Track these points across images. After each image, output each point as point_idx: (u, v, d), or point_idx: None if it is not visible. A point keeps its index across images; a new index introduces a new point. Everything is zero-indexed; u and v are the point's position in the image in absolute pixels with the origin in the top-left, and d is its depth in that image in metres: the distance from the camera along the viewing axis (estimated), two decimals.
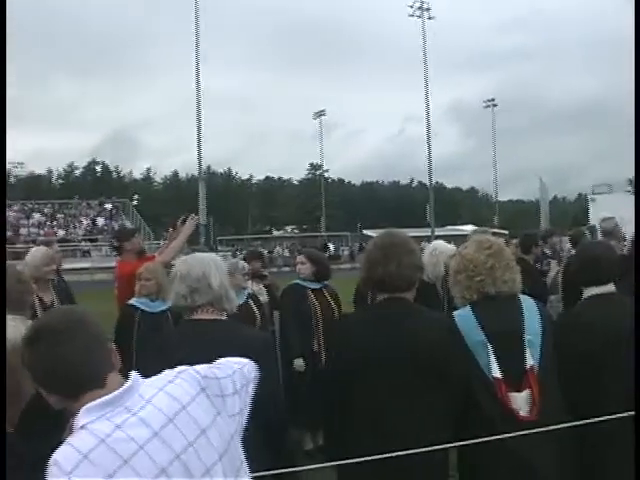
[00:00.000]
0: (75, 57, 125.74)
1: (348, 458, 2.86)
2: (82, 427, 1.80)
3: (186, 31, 50.80)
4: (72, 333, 1.91)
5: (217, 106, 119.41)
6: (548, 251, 9.00)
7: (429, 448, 2.88)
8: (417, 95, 70.11)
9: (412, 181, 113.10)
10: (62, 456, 1.73)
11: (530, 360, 3.14)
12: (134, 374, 1.94)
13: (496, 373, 3.09)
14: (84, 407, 1.82)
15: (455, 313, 3.32)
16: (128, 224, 47.88)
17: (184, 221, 6.11)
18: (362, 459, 2.79)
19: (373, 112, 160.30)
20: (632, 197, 44.53)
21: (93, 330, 1.95)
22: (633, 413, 3.01)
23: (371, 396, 3.06)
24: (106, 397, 1.84)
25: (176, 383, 1.94)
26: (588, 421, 3.08)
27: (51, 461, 1.73)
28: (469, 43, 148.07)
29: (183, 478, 1.80)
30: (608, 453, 3.32)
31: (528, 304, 3.34)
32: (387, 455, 2.78)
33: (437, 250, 6.40)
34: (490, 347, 3.12)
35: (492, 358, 3.11)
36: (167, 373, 2.00)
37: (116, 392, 1.85)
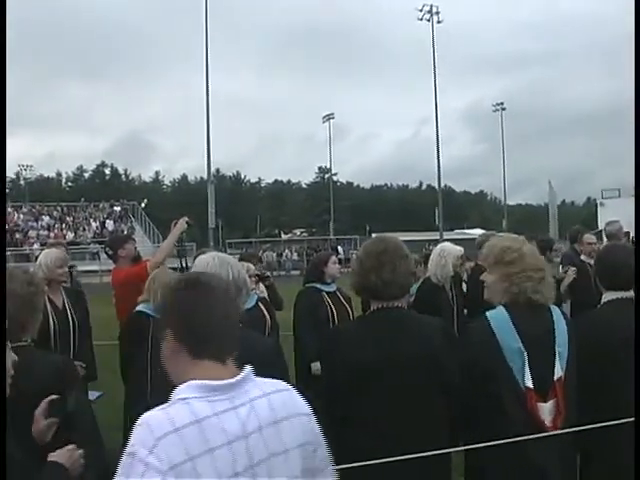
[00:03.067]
0: (86, 60, 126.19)
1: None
2: (183, 400, 1.77)
3: (197, 34, 50.84)
4: (229, 296, 1.98)
5: (227, 109, 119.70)
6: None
7: (446, 450, 2.86)
8: (428, 99, 69.79)
9: (421, 185, 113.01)
10: (155, 421, 1.72)
11: (559, 371, 3.10)
12: (249, 367, 1.91)
13: (529, 383, 3.04)
14: (195, 383, 1.80)
15: (489, 314, 3.22)
16: (137, 227, 47.97)
17: (176, 224, 6.01)
18: (370, 462, 2.75)
19: (383, 116, 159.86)
20: None
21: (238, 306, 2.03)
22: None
23: (376, 408, 3.01)
24: (220, 383, 1.82)
25: (281, 395, 1.93)
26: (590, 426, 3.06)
27: (141, 420, 1.73)
28: (480, 47, 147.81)
29: None
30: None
31: (557, 314, 3.28)
32: (396, 458, 2.75)
33: (445, 251, 6.37)
34: (526, 355, 3.06)
35: (527, 367, 3.05)
36: (279, 382, 1.99)
37: (232, 380, 1.84)
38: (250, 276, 6.10)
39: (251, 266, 6.01)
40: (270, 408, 1.87)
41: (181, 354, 1.88)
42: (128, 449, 1.70)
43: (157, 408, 1.75)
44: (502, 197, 74.54)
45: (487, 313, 3.22)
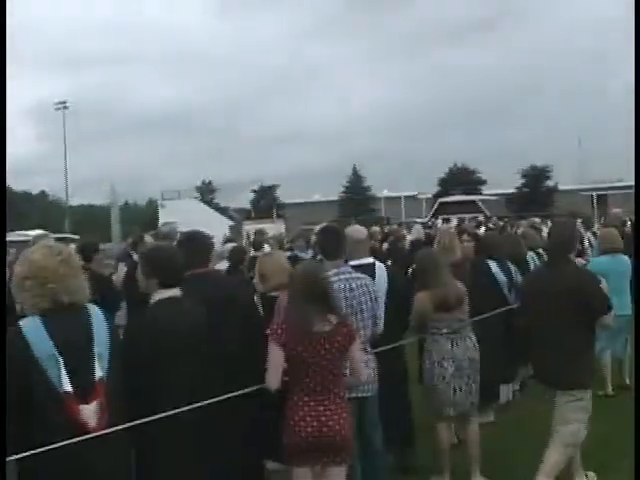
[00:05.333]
0: None
1: None
2: None
3: None
4: None
5: None
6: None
7: None
8: None
9: None
10: None
11: (100, 372, 3.16)
12: None
13: (67, 387, 3.04)
14: None
15: (21, 323, 3.14)
16: None
17: None
18: None
19: None
20: (199, 203, 47.76)
21: None
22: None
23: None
24: None
25: None
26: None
27: None
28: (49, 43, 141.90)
29: None
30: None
31: (96, 314, 3.33)
32: None
33: None
34: (61, 360, 3.04)
35: (63, 372, 3.04)
36: None
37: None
38: None
39: None
40: None
41: None
42: None
43: None
44: (64, 197, 72.92)
45: (20, 322, 3.16)
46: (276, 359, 3.91)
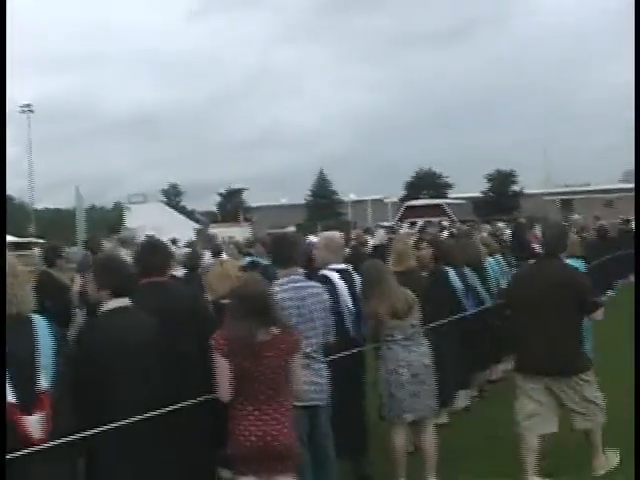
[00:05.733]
0: None
1: None
2: None
3: None
4: None
5: None
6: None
7: None
8: None
9: None
10: None
11: (44, 383, 3.14)
12: None
13: (11, 398, 3.03)
14: None
15: None
16: None
17: None
18: None
19: None
20: (165, 206, 47.53)
21: None
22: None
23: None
24: None
25: None
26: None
27: None
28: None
29: None
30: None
31: (41, 324, 3.31)
32: None
33: None
34: (8, 372, 3.04)
35: (9, 384, 3.03)
36: None
37: None
38: None
39: None
40: None
41: None
42: None
43: None
44: (30, 201, 72.05)
45: None
46: (222, 371, 3.93)
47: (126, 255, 6.63)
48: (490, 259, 8.53)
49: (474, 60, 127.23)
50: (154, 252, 4.55)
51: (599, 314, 5.54)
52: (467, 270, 7.49)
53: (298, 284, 4.79)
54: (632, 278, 17.68)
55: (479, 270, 7.80)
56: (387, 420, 5.59)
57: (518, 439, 5.46)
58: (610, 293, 14.32)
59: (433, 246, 7.39)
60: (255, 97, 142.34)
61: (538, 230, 11.69)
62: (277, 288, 4.67)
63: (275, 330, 4.03)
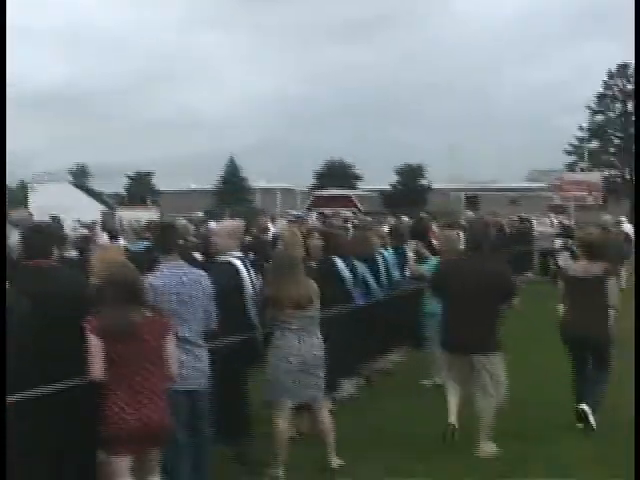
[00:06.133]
0: None
1: None
2: None
3: None
4: None
5: None
6: None
7: None
8: None
9: None
10: None
11: None
12: None
13: None
14: None
15: None
16: None
17: None
18: None
19: None
20: (72, 187, 46.35)
21: None
22: None
23: None
24: None
25: None
26: None
27: None
28: None
29: None
30: None
31: None
32: None
33: None
34: None
35: None
36: None
37: None
38: None
39: None
40: None
41: None
42: None
43: None
44: None
45: None
46: (94, 349, 4.00)
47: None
48: (384, 251, 8.76)
49: (386, 56, 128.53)
50: (38, 235, 4.52)
51: (516, 300, 6.70)
52: (357, 261, 7.68)
53: (179, 270, 4.86)
54: (529, 275, 18.66)
55: (370, 262, 8.02)
56: (267, 405, 5.71)
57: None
58: None
59: (323, 238, 7.53)
60: (172, 81, 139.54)
61: (435, 227, 12.01)
62: (158, 274, 4.75)
63: (147, 313, 4.17)
